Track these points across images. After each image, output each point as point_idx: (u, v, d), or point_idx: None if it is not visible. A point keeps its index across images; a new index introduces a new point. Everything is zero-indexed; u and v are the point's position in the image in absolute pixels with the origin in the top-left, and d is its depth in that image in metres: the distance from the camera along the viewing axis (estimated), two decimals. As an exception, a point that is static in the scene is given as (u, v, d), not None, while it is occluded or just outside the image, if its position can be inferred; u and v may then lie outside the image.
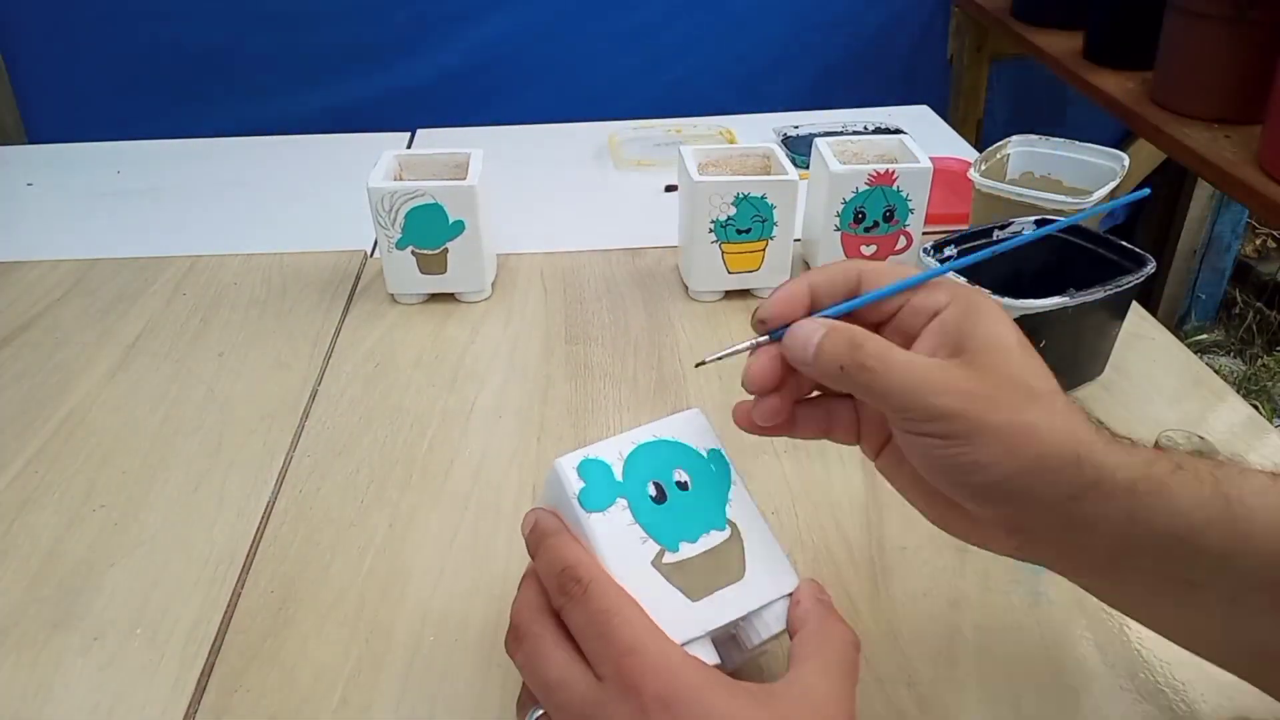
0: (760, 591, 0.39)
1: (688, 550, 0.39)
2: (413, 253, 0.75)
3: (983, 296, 0.39)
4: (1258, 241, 2.25)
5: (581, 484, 0.39)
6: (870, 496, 0.56)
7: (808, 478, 0.58)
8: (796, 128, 1.12)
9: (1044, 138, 0.82)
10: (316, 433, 0.63)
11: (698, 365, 0.47)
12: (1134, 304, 0.69)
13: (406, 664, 0.46)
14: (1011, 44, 1.70)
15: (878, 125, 1.12)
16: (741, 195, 0.73)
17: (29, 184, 1.03)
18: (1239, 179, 1.09)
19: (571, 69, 1.76)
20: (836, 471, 0.58)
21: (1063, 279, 0.60)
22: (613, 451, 0.40)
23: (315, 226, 0.93)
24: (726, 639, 0.40)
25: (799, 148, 1.03)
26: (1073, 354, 0.64)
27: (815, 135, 0.90)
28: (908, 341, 0.38)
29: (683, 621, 0.37)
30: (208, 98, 1.69)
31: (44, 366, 0.70)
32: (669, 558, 0.39)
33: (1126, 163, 0.77)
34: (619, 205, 0.98)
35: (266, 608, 0.49)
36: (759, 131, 1.11)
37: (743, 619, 0.39)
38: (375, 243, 0.83)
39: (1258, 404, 1.81)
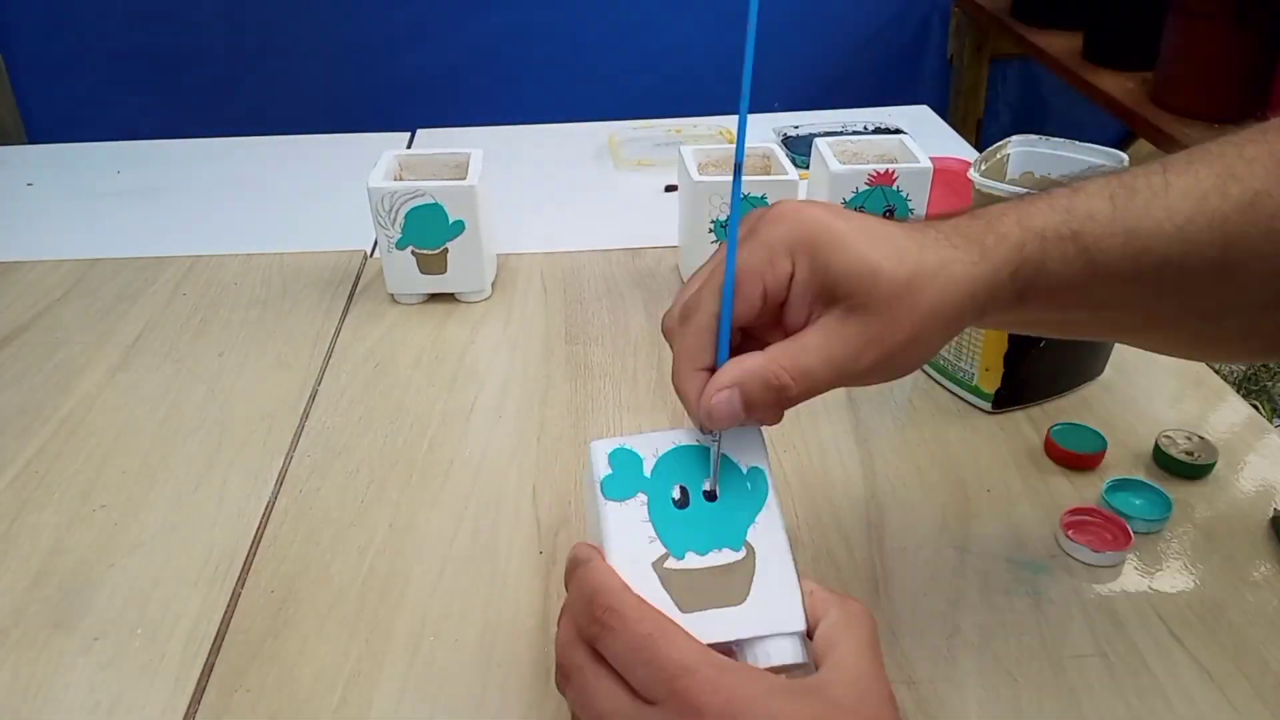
0: (757, 622, 0.38)
1: (692, 561, 0.38)
2: (413, 253, 0.75)
3: (805, 223, 0.38)
4: (1258, 241, 2.25)
5: (609, 470, 0.39)
6: (870, 496, 0.56)
7: (808, 478, 0.58)
8: (796, 128, 1.12)
9: (1044, 138, 0.82)
10: (316, 433, 0.63)
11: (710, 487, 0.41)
12: (1134, 304, 0.69)
13: (406, 664, 0.46)
14: (1011, 44, 1.70)
15: (878, 125, 1.12)
16: (741, 195, 0.73)
17: (29, 184, 1.03)
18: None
19: (571, 69, 1.77)
20: (836, 471, 0.58)
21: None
22: (650, 447, 0.40)
23: (315, 226, 0.93)
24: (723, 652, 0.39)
25: (799, 148, 1.03)
26: (1073, 354, 0.64)
27: (815, 135, 0.90)
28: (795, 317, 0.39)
29: None
30: (208, 97, 1.69)
31: (44, 366, 0.70)
32: (671, 563, 0.38)
33: (1126, 163, 0.77)
34: (619, 205, 0.98)
35: (266, 608, 0.49)
36: (759, 131, 1.11)
37: (738, 646, 0.38)
38: (375, 243, 0.83)
39: (1258, 404, 1.81)
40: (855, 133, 1.11)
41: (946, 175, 0.94)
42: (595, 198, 1.00)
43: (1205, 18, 1.20)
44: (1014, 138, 0.83)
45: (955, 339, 0.63)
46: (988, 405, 0.63)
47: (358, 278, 0.82)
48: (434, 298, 0.78)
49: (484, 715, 0.44)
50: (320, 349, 0.72)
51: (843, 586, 0.50)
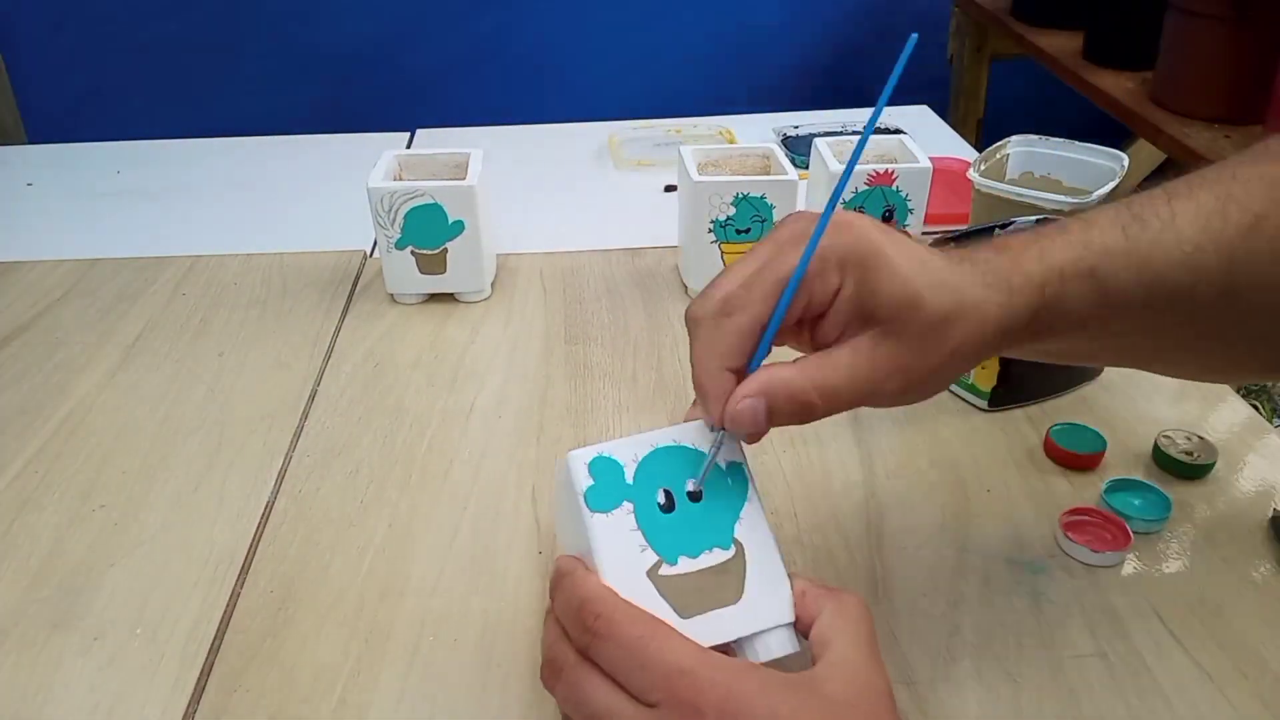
0: (755, 618, 0.38)
1: (686, 565, 0.38)
2: (412, 253, 0.75)
3: (861, 240, 0.38)
4: (1258, 241, 2.25)
5: (590, 481, 0.38)
6: (870, 496, 0.56)
7: (808, 478, 0.58)
8: (796, 128, 1.12)
9: (1044, 138, 0.82)
10: (316, 433, 0.63)
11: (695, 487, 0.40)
12: (1134, 304, 0.69)
13: (406, 664, 0.46)
14: (1011, 44, 1.70)
15: (878, 125, 1.12)
16: (741, 195, 0.73)
17: (29, 184, 1.03)
18: (1239, 179, 1.08)
19: (571, 69, 1.77)
20: (836, 472, 0.58)
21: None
22: (629, 452, 0.39)
23: (315, 226, 0.93)
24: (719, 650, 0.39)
25: (799, 148, 1.03)
26: (1072, 354, 0.64)
27: (815, 135, 0.90)
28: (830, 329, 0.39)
29: None
30: (207, 97, 1.69)
31: (44, 366, 0.70)
32: (665, 570, 0.38)
33: (1126, 163, 0.77)
34: (619, 205, 0.98)
35: (266, 608, 0.49)
36: (759, 131, 1.11)
37: (735, 643, 0.38)
38: (375, 243, 0.83)
39: (1258, 404, 1.81)
40: (855, 133, 1.11)
41: (946, 175, 0.94)
42: (595, 198, 1.00)
43: (1205, 17, 1.20)
44: (1013, 138, 0.83)
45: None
46: (984, 403, 0.63)
47: (357, 278, 0.82)
48: (434, 298, 0.78)
49: (484, 715, 0.44)
50: (320, 349, 0.72)
51: (842, 586, 0.50)
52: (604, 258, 0.85)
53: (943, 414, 0.64)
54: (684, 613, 0.37)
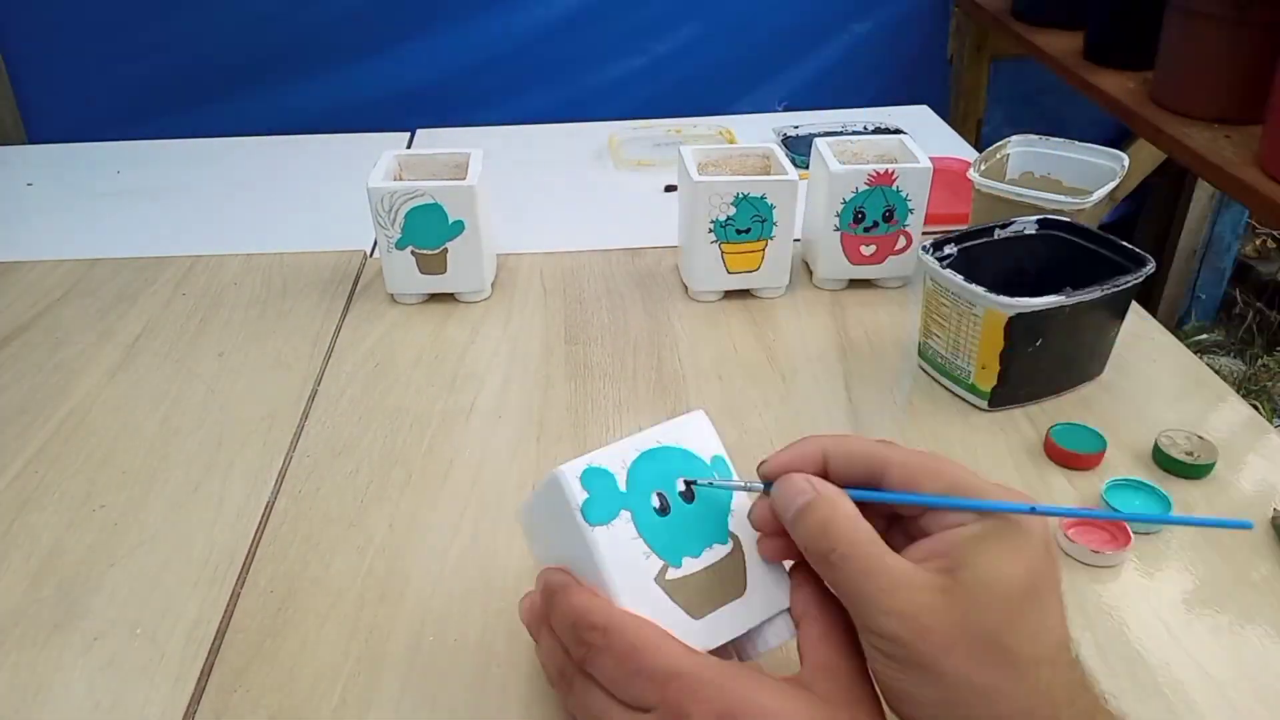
0: (762, 607, 0.39)
1: (690, 565, 0.38)
2: (412, 253, 0.75)
3: (1020, 529, 0.34)
4: (1258, 242, 2.25)
5: (585, 495, 0.37)
6: (870, 496, 0.56)
7: (807, 478, 0.58)
8: (796, 128, 1.12)
9: (1044, 138, 0.82)
10: (316, 433, 0.63)
11: (689, 487, 0.40)
12: (1134, 304, 0.69)
13: (406, 664, 0.46)
14: (1011, 44, 1.69)
15: (878, 125, 1.12)
16: (741, 195, 0.73)
17: (29, 184, 1.03)
18: (1239, 179, 1.09)
19: (571, 69, 1.76)
20: (836, 471, 0.58)
21: (1064, 278, 0.60)
22: (616, 459, 0.39)
23: (315, 226, 0.93)
24: (726, 648, 0.40)
25: (799, 148, 1.03)
26: (1072, 353, 0.64)
27: (815, 135, 0.90)
28: (911, 531, 0.37)
29: (685, 640, 0.36)
30: (207, 98, 1.69)
31: (44, 366, 0.70)
32: (672, 574, 0.38)
33: (1126, 163, 0.77)
34: (619, 205, 0.98)
35: (266, 608, 0.49)
36: (759, 131, 1.11)
37: (738, 640, 0.39)
38: (375, 243, 0.83)
39: (1258, 404, 1.81)
40: (855, 133, 1.11)
41: (946, 175, 0.94)
42: (595, 198, 1.00)
43: (1205, 17, 1.20)
44: (1014, 138, 0.83)
45: (953, 336, 0.63)
46: (984, 403, 0.63)
47: (357, 278, 0.82)
48: (434, 297, 0.78)
49: (483, 715, 0.44)
50: (320, 349, 0.72)
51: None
52: (604, 258, 0.85)
53: (943, 414, 0.64)
54: (695, 614, 0.37)
